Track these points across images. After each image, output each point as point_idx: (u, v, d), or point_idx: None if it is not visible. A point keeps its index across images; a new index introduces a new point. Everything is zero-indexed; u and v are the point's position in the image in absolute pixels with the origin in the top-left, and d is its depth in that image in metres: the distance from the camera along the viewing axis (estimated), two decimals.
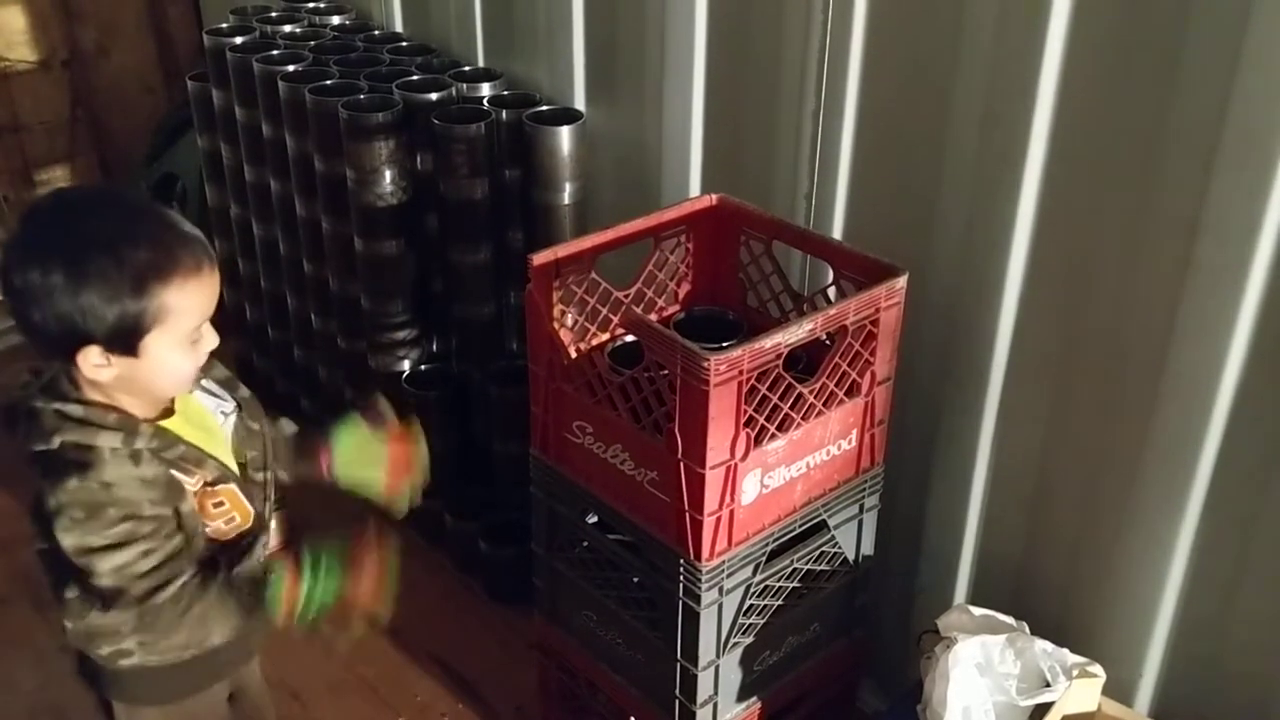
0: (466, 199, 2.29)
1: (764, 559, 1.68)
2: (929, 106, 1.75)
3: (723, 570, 1.62)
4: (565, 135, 2.19)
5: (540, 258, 1.69)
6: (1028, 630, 1.70)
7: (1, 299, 1.31)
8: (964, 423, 1.87)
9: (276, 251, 2.79)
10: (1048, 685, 1.63)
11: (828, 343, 1.65)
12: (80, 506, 1.31)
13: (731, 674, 1.74)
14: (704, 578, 1.60)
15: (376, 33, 2.75)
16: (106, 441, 1.32)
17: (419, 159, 2.36)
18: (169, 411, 1.41)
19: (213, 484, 1.42)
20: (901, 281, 1.64)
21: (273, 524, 1.60)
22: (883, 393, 1.71)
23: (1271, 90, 1.38)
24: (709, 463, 1.52)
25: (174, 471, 1.37)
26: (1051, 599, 1.83)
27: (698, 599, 1.62)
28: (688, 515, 1.57)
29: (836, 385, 1.64)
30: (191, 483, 1.39)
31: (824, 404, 1.63)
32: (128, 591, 1.35)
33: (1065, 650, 1.67)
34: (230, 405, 1.50)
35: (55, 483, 1.32)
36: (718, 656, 1.69)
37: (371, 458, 1.59)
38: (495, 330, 2.46)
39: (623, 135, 2.25)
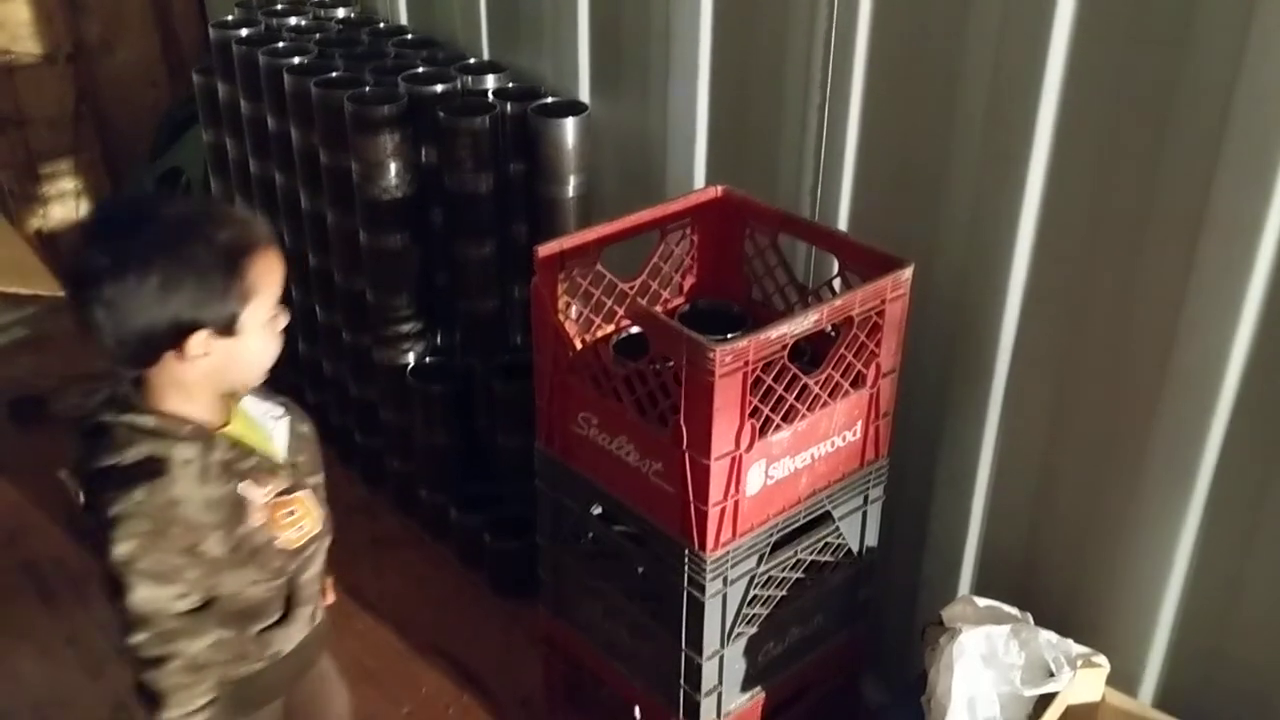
0: (471, 192, 2.29)
1: (768, 550, 1.68)
2: (934, 99, 1.75)
3: (727, 561, 1.62)
4: (570, 128, 2.19)
5: (545, 250, 1.69)
6: (1032, 621, 1.71)
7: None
8: (969, 414, 1.87)
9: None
10: (1052, 676, 1.64)
11: (833, 334, 1.65)
12: (146, 519, 1.29)
13: (736, 664, 1.74)
14: (708, 568, 1.60)
15: (381, 26, 2.76)
16: (181, 454, 1.32)
17: (424, 152, 2.36)
18: (225, 422, 1.40)
19: (285, 492, 1.42)
20: (907, 273, 1.65)
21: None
22: (888, 385, 1.71)
23: (1277, 84, 1.38)
24: (714, 454, 1.52)
25: (243, 486, 1.36)
26: (1056, 590, 1.84)
27: (702, 589, 1.62)
28: (692, 506, 1.57)
29: (842, 377, 1.64)
30: (263, 493, 1.39)
31: (829, 395, 1.63)
32: (151, 624, 1.32)
33: (1069, 641, 1.67)
34: (279, 410, 1.50)
35: (120, 493, 1.29)
36: (722, 647, 1.69)
37: None
38: (500, 323, 2.47)
39: (627, 127, 2.25)
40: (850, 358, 1.63)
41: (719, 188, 1.89)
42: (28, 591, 2.55)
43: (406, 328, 2.49)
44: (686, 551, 1.61)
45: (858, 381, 1.67)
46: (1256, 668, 1.65)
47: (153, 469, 1.30)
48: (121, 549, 1.29)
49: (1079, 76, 1.58)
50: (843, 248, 1.77)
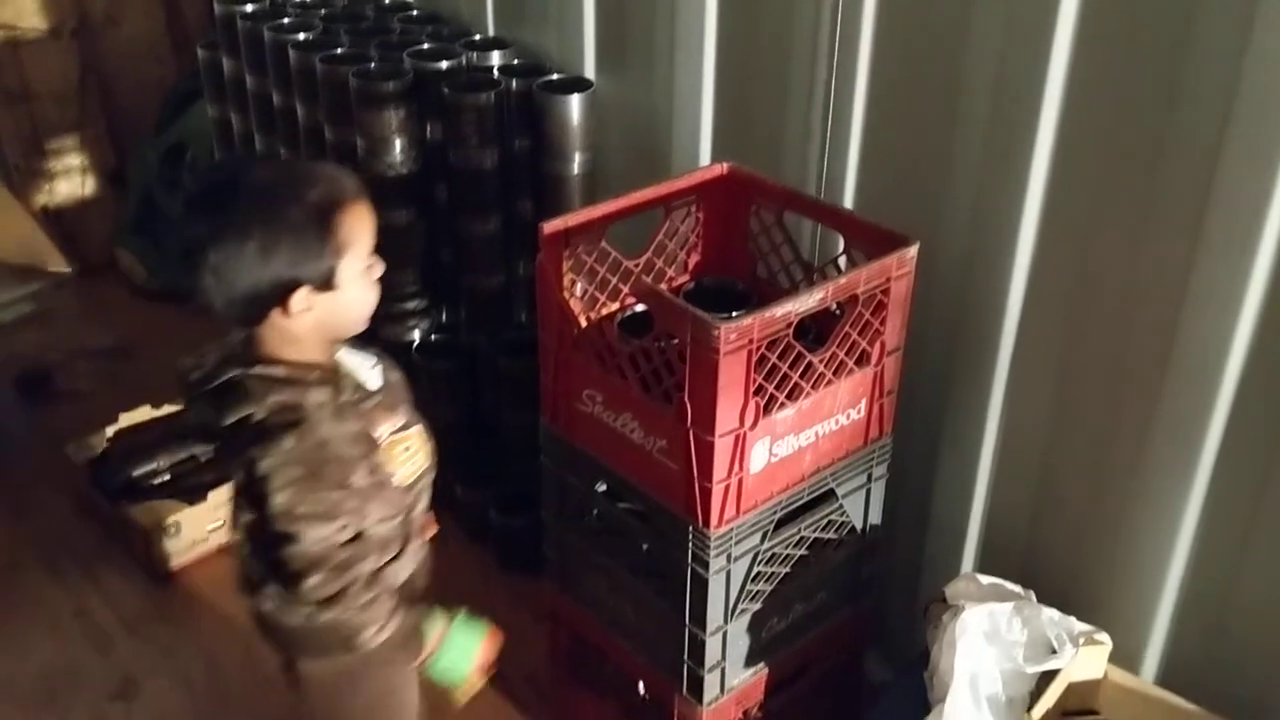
0: (476, 168, 2.29)
1: (772, 527, 1.69)
2: (941, 75, 1.74)
3: (731, 538, 1.63)
4: (575, 104, 2.19)
5: (550, 227, 1.69)
6: (1034, 599, 1.71)
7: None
8: (973, 393, 1.87)
9: None
10: (1054, 653, 1.64)
11: (838, 313, 1.65)
12: (297, 465, 1.34)
13: (739, 640, 1.75)
14: (712, 545, 1.61)
15: (386, 1, 2.75)
16: (314, 398, 1.37)
17: (429, 128, 2.36)
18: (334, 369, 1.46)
19: (401, 429, 1.48)
20: (912, 251, 1.64)
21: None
22: (892, 363, 1.72)
23: None
24: (718, 431, 1.53)
25: (369, 423, 1.43)
26: (1059, 568, 1.84)
27: (706, 566, 1.63)
28: (696, 483, 1.58)
29: (846, 355, 1.64)
30: (380, 431, 1.45)
31: (833, 373, 1.63)
32: (325, 562, 1.38)
33: (1072, 618, 1.68)
34: (373, 359, 1.55)
35: (268, 445, 1.34)
36: (725, 623, 1.70)
37: (467, 660, 1.58)
38: (505, 300, 2.47)
39: (633, 104, 2.24)
40: (855, 336, 1.63)
41: (724, 165, 1.89)
42: (35, 565, 2.57)
43: (411, 304, 2.49)
44: (690, 528, 1.62)
45: (862, 360, 1.67)
46: (1258, 646, 1.65)
47: (293, 418, 1.35)
48: (280, 499, 1.35)
49: (1086, 55, 1.57)
50: (848, 225, 1.77)
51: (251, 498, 1.39)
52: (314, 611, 1.43)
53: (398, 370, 1.58)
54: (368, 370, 1.52)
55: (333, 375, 1.42)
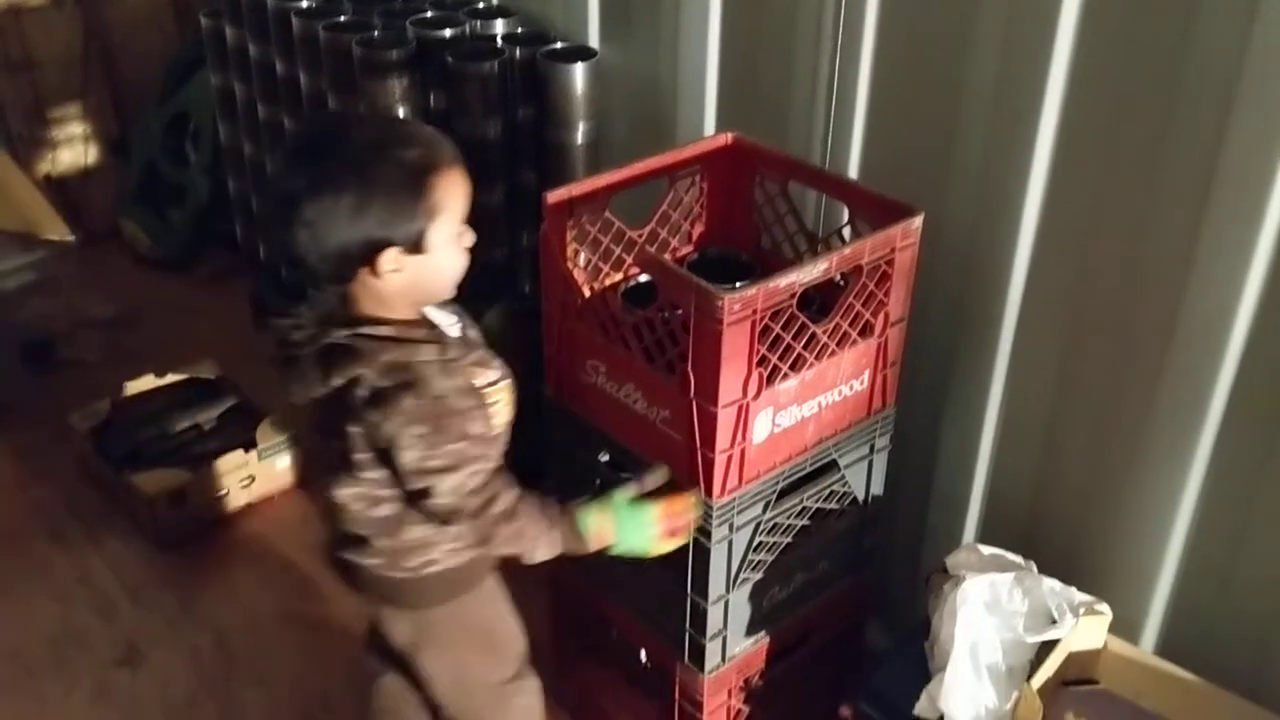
0: (480, 138, 2.28)
1: (774, 497, 1.69)
2: (947, 46, 1.74)
3: (733, 507, 1.63)
4: (579, 73, 2.18)
5: (554, 196, 1.69)
6: (1035, 569, 1.72)
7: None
8: (976, 364, 1.87)
9: None
10: (1054, 623, 1.65)
11: (842, 283, 1.65)
12: (422, 422, 1.37)
13: (741, 609, 1.76)
14: (715, 514, 1.61)
15: None
16: (423, 356, 1.40)
17: (432, 97, 2.35)
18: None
19: (494, 383, 1.51)
20: (917, 222, 1.64)
21: None
22: (896, 334, 1.71)
23: None
24: (721, 401, 1.53)
25: (472, 376, 1.46)
26: (1060, 539, 1.85)
27: (708, 535, 1.63)
28: (699, 453, 1.58)
29: (850, 326, 1.64)
30: (483, 383, 1.48)
31: (837, 344, 1.63)
32: (463, 509, 1.44)
33: (1072, 589, 1.68)
34: (454, 318, 1.56)
35: (390, 408, 1.37)
36: (727, 592, 1.71)
37: (642, 538, 1.59)
38: (508, 270, 2.47)
39: (637, 73, 2.23)
40: (859, 307, 1.63)
41: (729, 135, 1.88)
42: (39, 533, 2.58)
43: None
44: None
45: (866, 331, 1.67)
46: (1258, 618, 1.66)
47: (407, 378, 1.37)
48: (411, 457, 1.39)
49: (1094, 23, 1.57)
50: (853, 196, 1.77)
51: (374, 458, 1.42)
52: (475, 549, 1.49)
53: (475, 329, 1.60)
54: (452, 328, 1.55)
55: (437, 333, 1.45)
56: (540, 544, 1.52)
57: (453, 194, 1.39)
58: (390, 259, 1.37)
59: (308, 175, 1.34)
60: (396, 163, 1.35)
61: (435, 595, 1.59)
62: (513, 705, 1.77)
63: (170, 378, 2.81)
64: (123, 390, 2.77)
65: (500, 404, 1.53)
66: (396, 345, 1.39)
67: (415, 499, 1.44)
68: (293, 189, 1.34)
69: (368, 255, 1.36)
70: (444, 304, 1.55)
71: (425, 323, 1.47)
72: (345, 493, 1.49)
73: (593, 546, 1.55)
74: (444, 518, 1.45)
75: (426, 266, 1.40)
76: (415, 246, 1.38)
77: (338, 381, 1.39)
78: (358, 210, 1.32)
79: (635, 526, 1.57)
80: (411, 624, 1.63)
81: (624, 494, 1.57)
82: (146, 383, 2.79)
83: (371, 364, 1.38)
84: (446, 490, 1.41)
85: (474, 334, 1.58)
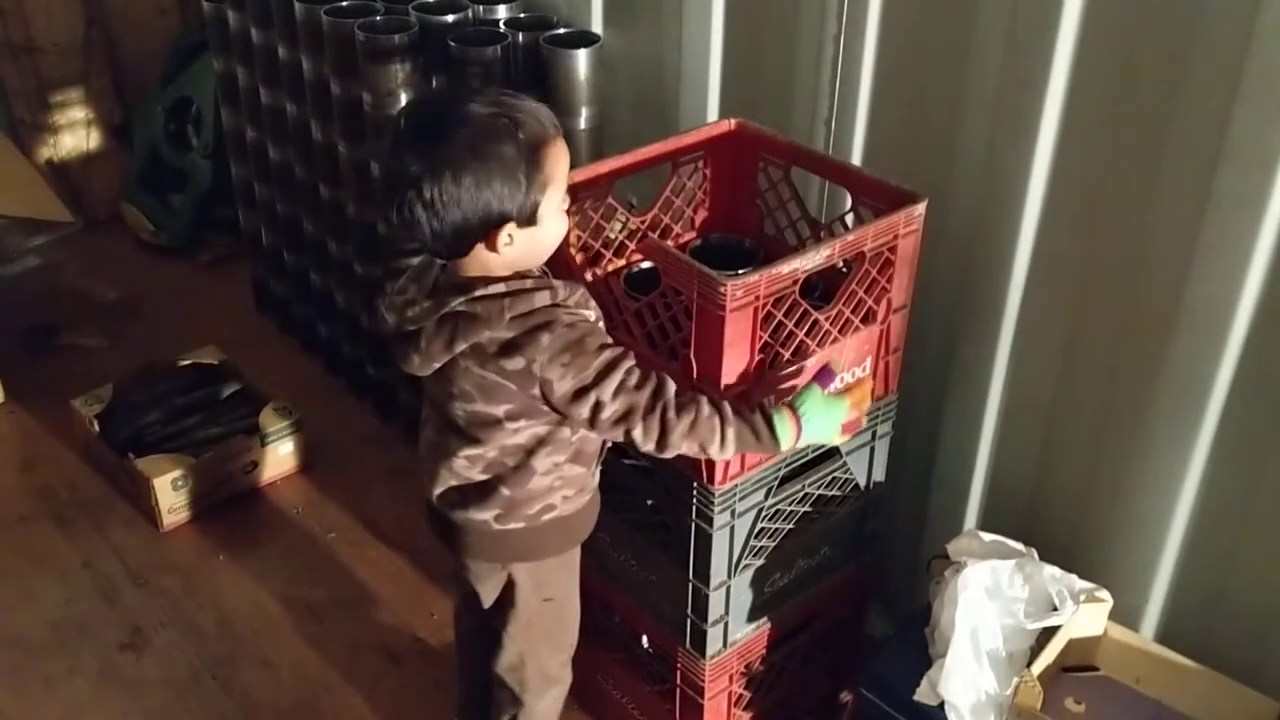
0: None
1: (776, 483, 1.69)
2: (951, 31, 1.73)
3: (735, 494, 1.64)
4: (582, 59, 2.17)
5: None
6: (1037, 556, 1.72)
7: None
8: (979, 351, 1.87)
9: (292, 176, 2.78)
10: (1055, 610, 1.65)
11: (844, 270, 1.65)
12: (564, 352, 1.41)
13: (742, 595, 1.76)
14: (716, 501, 1.62)
15: None
16: (541, 299, 1.43)
17: (435, 82, 2.35)
18: None
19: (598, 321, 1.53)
20: (920, 208, 1.64)
21: None
22: (898, 320, 1.72)
23: None
24: (724, 387, 1.53)
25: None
26: (1061, 526, 1.85)
27: (710, 521, 1.64)
28: None
29: (852, 313, 1.64)
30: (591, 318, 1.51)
31: (839, 331, 1.63)
32: (637, 406, 1.44)
33: (1073, 576, 1.69)
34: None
35: (528, 350, 1.41)
36: (729, 578, 1.71)
37: (830, 430, 1.58)
38: None
39: (640, 59, 2.23)
40: (861, 293, 1.63)
41: (732, 121, 1.88)
42: (43, 516, 2.59)
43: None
44: (695, 485, 1.63)
45: (868, 317, 1.67)
46: (1257, 604, 1.67)
47: (536, 322, 1.42)
48: (567, 385, 1.42)
49: (1099, 10, 1.56)
50: (856, 182, 1.77)
51: (529, 406, 1.46)
52: (660, 451, 1.48)
53: None
54: None
55: (545, 280, 1.47)
56: (728, 434, 1.48)
57: (560, 165, 1.42)
58: (507, 234, 1.40)
59: (427, 157, 1.36)
60: (511, 141, 1.37)
61: (549, 544, 1.64)
62: (548, 695, 1.80)
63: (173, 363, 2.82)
64: (130, 374, 2.77)
65: None
66: (515, 298, 1.43)
67: (591, 424, 1.46)
68: (412, 171, 1.36)
69: (485, 231, 1.40)
70: None
71: (529, 273, 1.48)
72: (462, 456, 1.54)
73: (785, 445, 1.51)
74: (625, 427, 1.45)
75: (536, 238, 1.44)
76: (530, 219, 1.41)
77: (461, 347, 1.44)
78: (478, 188, 1.36)
79: (828, 419, 1.55)
80: (512, 580, 1.67)
81: (815, 389, 1.55)
82: (149, 367, 2.79)
83: (496, 324, 1.42)
84: (611, 396, 1.43)
85: None
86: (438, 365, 1.47)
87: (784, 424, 1.49)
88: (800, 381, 1.59)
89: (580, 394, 1.43)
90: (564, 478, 1.57)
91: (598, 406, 1.44)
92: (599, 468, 1.64)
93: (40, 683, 2.21)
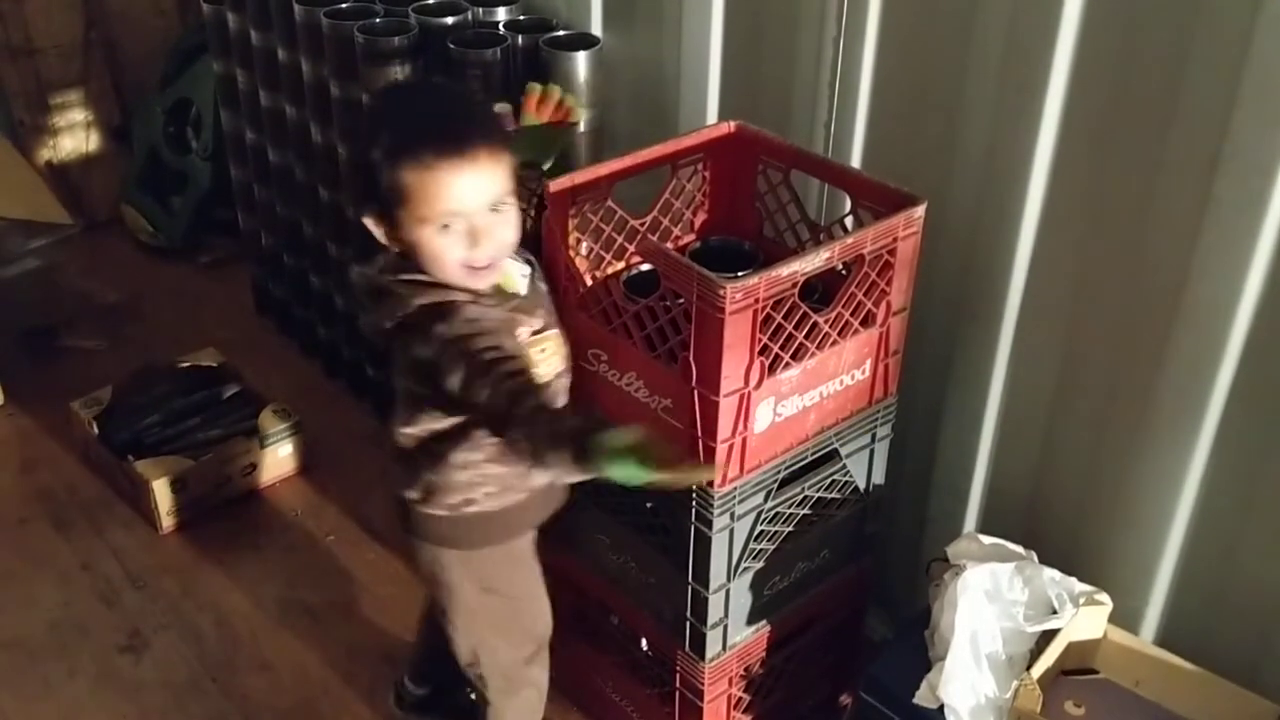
0: None
1: (775, 486, 1.69)
2: (951, 34, 1.73)
3: (734, 496, 1.63)
4: (582, 61, 2.17)
5: (557, 185, 1.69)
6: (1036, 559, 1.72)
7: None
8: (978, 353, 1.87)
9: (292, 178, 2.78)
10: (1054, 613, 1.65)
11: (844, 272, 1.65)
12: (455, 343, 1.43)
13: (742, 597, 1.76)
14: (716, 503, 1.62)
15: None
16: (458, 296, 1.47)
17: None
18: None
19: (539, 330, 1.56)
20: (920, 211, 1.64)
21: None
22: (898, 323, 1.71)
23: None
24: (723, 390, 1.53)
25: (508, 320, 1.52)
26: (1061, 529, 1.85)
27: (709, 524, 1.64)
28: (701, 442, 1.58)
29: (852, 315, 1.64)
30: (524, 332, 1.53)
31: (839, 333, 1.63)
32: (509, 406, 1.39)
33: (1073, 579, 1.69)
34: (527, 268, 1.62)
35: (424, 336, 1.45)
36: (728, 580, 1.71)
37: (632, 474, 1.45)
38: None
39: (640, 61, 2.23)
40: (860, 296, 1.63)
41: (732, 123, 1.88)
42: (42, 519, 2.59)
43: None
44: (694, 486, 1.62)
45: (868, 320, 1.67)
46: (1258, 607, 1.66)
47: (441, 310, 1.45)
48: (456, 379, 1.42)
49: (1098, 12, 1.56)
50: (855, 185, 1.77)
51: (437, 394, 1.47)
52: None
53: (545, 282, 1.66)
54: (519, 275, 1.60)
55: (476, 295, 1.49)
56: (551, 450, 1.37)
57: (429, 184, 1.41)
58: (373, 220, 1.47)
59: (370, 124, 1.49)
60: (389, 134, 1.44)
61: (475, 536, 1.66)
62: (516, 697, 1.81)
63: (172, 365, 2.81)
64: (129, 376, 2.77)
65: (546, 354, 1.58)
66: (434, 289, 1.46)
67: (467, 409, 1.48)
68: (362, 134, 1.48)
69: (372, 209, 1.46)
70: (523, 252, 1.62)
71: (467, 290, 1.49)
72: (399, 429, 1.59)
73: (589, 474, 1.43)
74: (497, 428, 1.45)
75: (408, 243, 1.46)
76: (390, 221, 1.46)
77: (388, 323, 1.48)
78: (355, 168, 1.39)
79: (623, 468, 1.45)
80: (441, 564, 1.69)
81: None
82: (148, 369, 2.79)
83: (409, 305, 1.46)
84: (486, 396, 1.40)
85: (544, 287, 1.64)
86: (370, 333, 1.53)
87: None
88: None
89: (467, 388, 1.42)
90: (485, 475, 1.58)
91: (477, 400, 1.42)
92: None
93: (39, 685, 2.21)
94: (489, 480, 1.59)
